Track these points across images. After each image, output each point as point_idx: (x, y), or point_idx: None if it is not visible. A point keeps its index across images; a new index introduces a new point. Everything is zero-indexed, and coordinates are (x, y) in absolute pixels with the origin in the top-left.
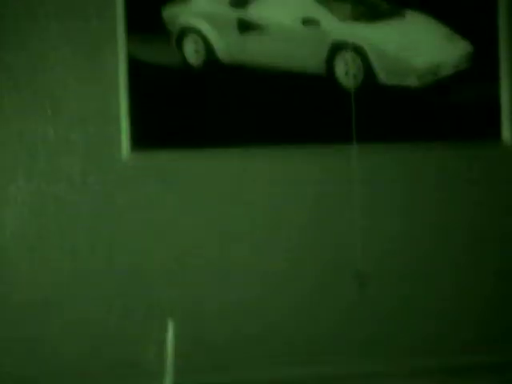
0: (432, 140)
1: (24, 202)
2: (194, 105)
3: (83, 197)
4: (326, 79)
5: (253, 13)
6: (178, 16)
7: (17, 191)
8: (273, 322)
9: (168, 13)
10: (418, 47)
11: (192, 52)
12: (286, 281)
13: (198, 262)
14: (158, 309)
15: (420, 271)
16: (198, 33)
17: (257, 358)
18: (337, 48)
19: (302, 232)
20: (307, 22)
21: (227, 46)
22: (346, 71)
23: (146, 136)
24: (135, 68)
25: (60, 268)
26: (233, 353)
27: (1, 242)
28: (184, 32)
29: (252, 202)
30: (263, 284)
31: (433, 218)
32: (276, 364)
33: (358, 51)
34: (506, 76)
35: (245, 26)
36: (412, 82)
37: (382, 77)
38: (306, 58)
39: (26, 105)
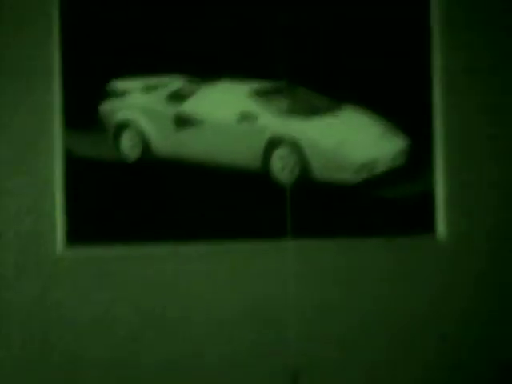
0: (367, 235)
1: None
2: (129, 199)
3: (17, 293)
4: (261, 175)
5: (189, 108)
6: (114, 111)
7: None
8: None
9: (105, 107)
10: (354, 143)
11: (129, 146)
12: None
13: (132, 357)
14: None
15: (357, 369)
16: (135, 128)
17: None
18: (273, 143)
19: (237, 329)
20: (244, 117)
21: (163, 141)
22: (282, 166)
23: (80, 231)
24: (71, 162)
25: None
26: None
27: None
28: (121, 127)
29: (188, 298)
30: None
31: (369, 312)
32: None
33: (294, 146)
34: (441, 171)
35: (181, 121)
36: (347, 177)
37: (318, 172)
38: (243, 153)
39: None
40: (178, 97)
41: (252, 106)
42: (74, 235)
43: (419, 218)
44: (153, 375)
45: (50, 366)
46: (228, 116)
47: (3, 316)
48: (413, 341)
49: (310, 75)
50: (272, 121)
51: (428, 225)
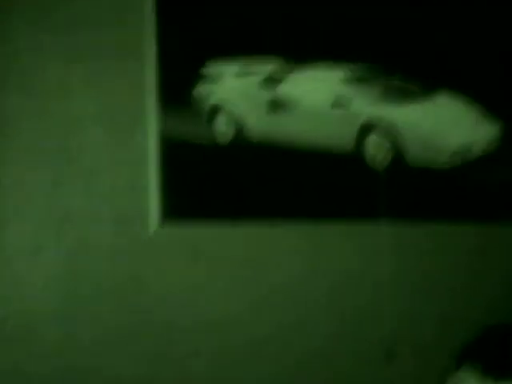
0: (457, 219)
1: (50, 274)
2: (222, 180)
3: (110, 270)
4: (355, 158)
5: (283, 92)
6: (209, 94)
7: (44, 262)
8: None
9: (200, 90)
10: (449, 128)
11: (222, 129)
12: (317, 357)
13: (224, 335)
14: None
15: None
16: (228, 111)
17: None
18: (367, 128)
19: (331, 307)
20: (338, 101)
21: (257, 125)
22: (375, 152)
23: (175, 209)
24: (165, 143)
25: (86, 338)
26: None
27: (28, 316)
28: (214, 110)
29: (279, 275)
30: (293, 358)
31: (459, 292)
32: None
33: (388, 131)
34: None
35: (275, 105)
36: (442, 162)
37: (412, 157)
38: (336, 137)
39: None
40: (272, 81)
41: (346, 90)
42: (168, 214)
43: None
44: (242, 355)
45: (140, 345)
46: (322, 100)
47: (97, 296)
48: None
49: (405, 60)
50: (366, 106)
51: None
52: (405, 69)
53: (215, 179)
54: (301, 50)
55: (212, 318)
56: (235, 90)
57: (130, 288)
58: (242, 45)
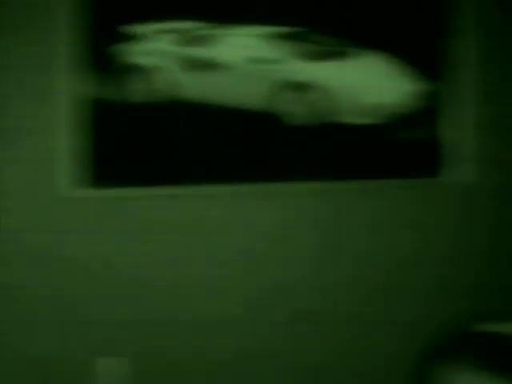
0: (379, 177)
1: None
2: (140, 142)
3: (31, 234)
4: (273, 116)
5: (206, 51)
6: (129, 54)
7: None
8: None
9: (117, 50)
10: (369, 86)
11: (140, 89)
12: (235, 324)
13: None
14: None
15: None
16: (148, 70)
17: None
18: (288, 86)
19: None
20: (258, 60)
21: (176, 84)
22: (294, 109)
23: (90, 173)
24: (82, 104)
25: None
26: None
27: None
28: (133, 69)
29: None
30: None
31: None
32: None
33: (309, 89)
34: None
35: (196, 64)
36: (363, 120)
37: (332, 114)
38: (255, 95)
39: None
40: (193, 40)
41: (267, 49)
42: (89, 176)
43: (432, 160)
44: (169, 328)
45: (61, 307)
46: (242, 59)
47: (16, 257)
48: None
49: (329, 20)
50: (287, 64)
51: (434, 168)
52: (329, 28)
53: (137, 138)
54: (224, 11)
55: (127, 283)
56: (156, 50)
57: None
58: (163, 5)
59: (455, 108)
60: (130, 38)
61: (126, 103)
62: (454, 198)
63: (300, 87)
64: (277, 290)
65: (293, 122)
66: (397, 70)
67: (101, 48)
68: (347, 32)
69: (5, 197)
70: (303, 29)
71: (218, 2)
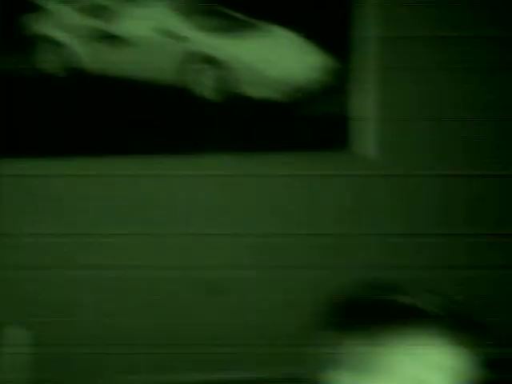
0: (285, 150)
1: None
2: (49, 114)
3: None
4: (182, 91)
5: (111, 24)
6: (35, 25)
7: None
8: None
9: (25, 20)
10: (276, 60)
11: (49, 61)
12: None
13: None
14: None
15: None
16: (56, 42)
17: None
18: (194, 59)
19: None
20: (165, 32)
21: (84, 56)
22: (203, 82)
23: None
24: None
25: None
26: None
27: None
28: (42, 41)
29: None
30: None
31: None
32: None
33: (215, 63)
34: (359, 89)
35: (103, 37)
36: (268, 94)
37: (238, 88)
38: (164, 69)
39: None
40: (100, 12)
41: (175, 22)
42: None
43: (338, 134)
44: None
45: None
46: (150, 32)
47: None
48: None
49: None
50: (194, 37)
51: (343, 140)
52: (237, 2)
53: (40, 112)
54: None
55: None
56: (63, 21)
57: None
58: None
59: (362, 84)
60: (37, 8)
61: (32, 74)
62: (359, 171)
63: (208, 60)
64: None
65: (203, 96)
66: (304, 45)
67: (9, 18)
68: (256, 7)
69: None
70: (211, 2)
71: None
